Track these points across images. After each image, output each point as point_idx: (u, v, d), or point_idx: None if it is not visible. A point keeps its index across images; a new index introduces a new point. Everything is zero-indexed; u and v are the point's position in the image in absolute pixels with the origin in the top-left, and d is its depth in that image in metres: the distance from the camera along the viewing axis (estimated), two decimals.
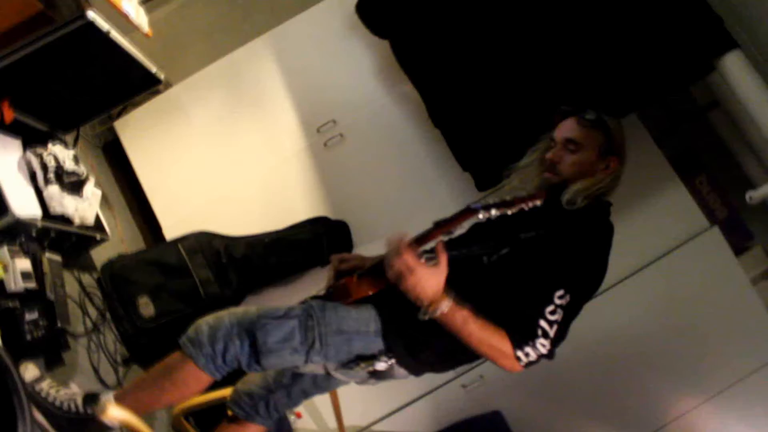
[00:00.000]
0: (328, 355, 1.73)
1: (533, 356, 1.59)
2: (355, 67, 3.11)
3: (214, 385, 2.04)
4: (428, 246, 1.65)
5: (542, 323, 1.58)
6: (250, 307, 1.78)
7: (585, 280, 1.68)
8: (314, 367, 1.79)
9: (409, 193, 3.03)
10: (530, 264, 1.66)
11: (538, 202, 1.57)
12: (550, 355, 1.62)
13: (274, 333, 1.69)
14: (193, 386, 1.74)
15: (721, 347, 2.91)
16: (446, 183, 3.00)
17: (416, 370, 1.82)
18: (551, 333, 1.59)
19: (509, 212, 1.57)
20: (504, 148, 2.54)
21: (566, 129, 1.88)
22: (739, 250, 3.16)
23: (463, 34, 2.52)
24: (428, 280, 1.58)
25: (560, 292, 1.60)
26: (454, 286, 1.62)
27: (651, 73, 2.42)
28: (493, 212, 1.55)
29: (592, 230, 1.74)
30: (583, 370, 2.87)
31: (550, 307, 1.59)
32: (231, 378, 2.08)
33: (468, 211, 1.56)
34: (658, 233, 2.97)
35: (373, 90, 3.09)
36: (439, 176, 3.02)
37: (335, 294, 1.79)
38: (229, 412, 2.05)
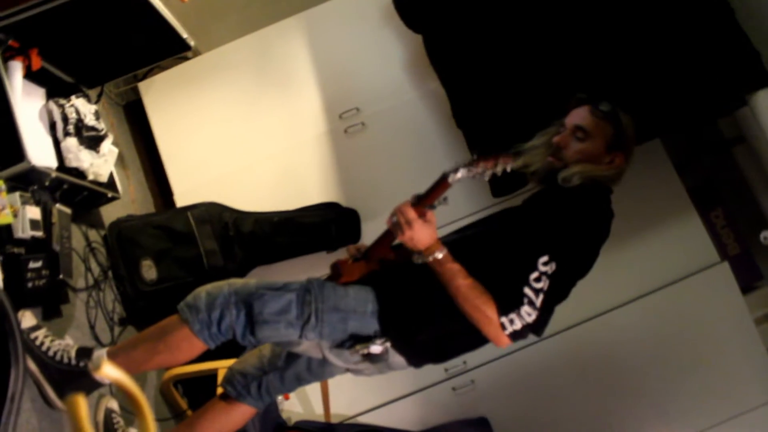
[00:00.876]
0: (323, 333, 1.73)
1: (518, 325, 1.60)
2: (386, 57, 3.10)
3: (206, 357, 2.06)
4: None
5: (527, 290, 1.60)
6: (250, 279, 1.79)
7: (571, 250, 1.66)
8: (309, 346, 1.79)
9: (422, 189, 3.01)
10: (517, 231, 1.71)
11: (508, 165, 1.62)
12: (536, 327, 1.63)
13: (270, 304, 1.70)
14: (185, 351, 1.74)
15: (715, 384, 2.89)
16: (462, 185, 2.94)
17: (412, 356, 1.80)
18: (537, 302, 1.60)
19: (480, 171, 1.63)
20: None
21: (578, 116, 1.87)
22: (746, 288, 3.14)
23: (501, 39, 2.50)
24: (423, 230, 1.67)
25: (544, 258, 1.60)
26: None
27: (682, 100, 2.39)
28: (461, 173, 1.64)
29: (584, 204, 1.74)
30: (576, 389, 2.86)
31: (535, 274, 1.60)
32: (222, 352, 2.09)
33: (443, 179, 1.68)
34: (668, 261, 2.95)
35: (400, 83, 3.08)
36: None
37: (330, 275, 1.83)
38: (220, 390, 2.05)
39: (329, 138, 3.07)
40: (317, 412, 2.89)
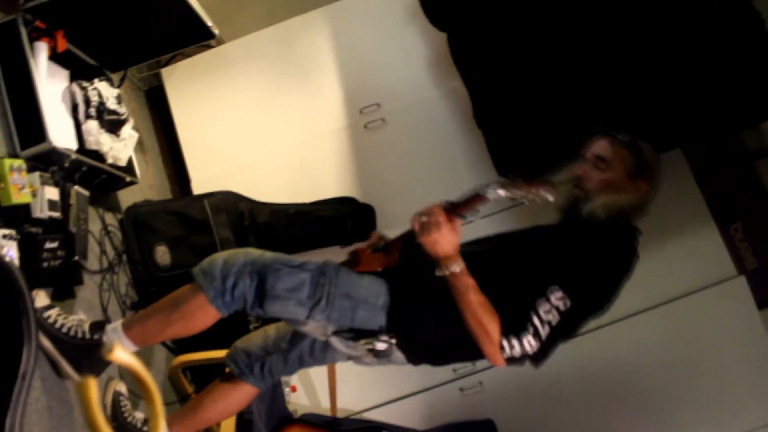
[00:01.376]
0: (331, 317, 1.74)
1: (517, 351, 1.61)
2: (409, 54, 3.09)
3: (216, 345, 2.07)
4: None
5: (534, 319, 1.61)
6: (267, 251, 1.79)
7: (588, 289, 1.67)
8: (314, 327, 1.79)
9: (440, 189, 2.96)
10: (539, 260, 1.69)
11: (549, 196, 1.56)
12: (535, 358, 1.64)
13: (285, 280, 1.70)
14: (199, 320, 1.75)
15: (725, 399, 2.86)
16: (467, 174, 2.98)
17: (412, 355, 1.82)
18: (542, 333, 1.61)
19: (519, 194, 1.57)
20: (545, 161, 2.51)
21: (597, 146, 1.87)
22: (763, 304, 3.09)
23: (524, 42, 2.47)
24: (449, 237, 1.64)
25: (558, 293, 1.61)
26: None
27: (705, 110, 2.36)
28: (501, 191, 1.58)
29: (608, 243, 1.73)
30: (583, 396, 2.84)
31: (546, 306, 1.61)
32: (232, 338, 2.10)
33: (478, 196, 1.64)
34: (684, 272, 2.92)
35: (422, 80, 3.08)
36: (472, 178, 2.97)
37: (348, 261, 1.83)
38: (227, 370, 2.06)
39: (349, 132, 3.07)
40: (323, 406, 2.89)
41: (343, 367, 2.67)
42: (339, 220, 2.84)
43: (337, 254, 2.89)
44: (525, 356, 1.63)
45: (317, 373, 2.91)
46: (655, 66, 2.35)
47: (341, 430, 2.65)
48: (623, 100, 2.38)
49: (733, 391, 2.87)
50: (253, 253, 1.77)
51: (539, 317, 1.61)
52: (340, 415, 2.84)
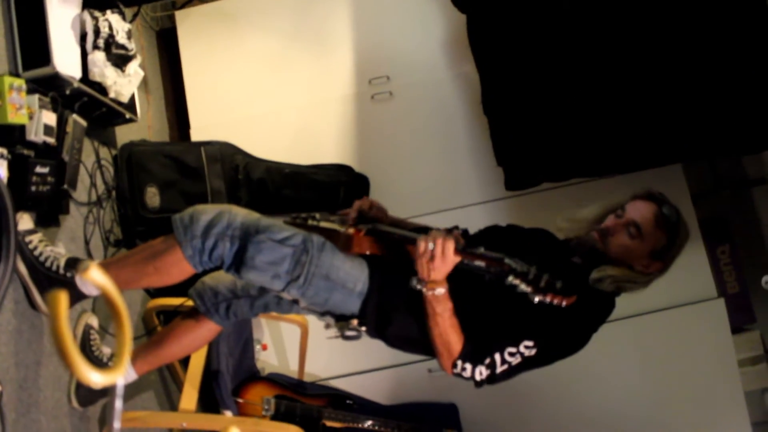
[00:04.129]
0: (306, 294, 1.73)
1: (467, 374, 1.65)
2: (426, 31, 3.07)
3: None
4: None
5: (496, 356, 1.63)
6: (252, 212, 1.76)
7: (560, 347, 1.70)
8: (286, 296, 1.79)
9: (437, 170, 3.01)
10: (521, 305, 1.56)
11: (565, 303, 1.46)
12: (479, 384, 1.67)
13: (266, 253, 1.67)
14: (174, 275, 1.75)
15: (688, 417, 2.89)
16: (476, 172, 2.98)
17: (376, 337, 1.84)
18: (497, 369, 1.64)
19: (535, 298, 1.46)
20: (546, 155, 2.51)
21: (639, 212, 1.77)
22: (737, 329, 3.12)
23: (544, 37, 2.45)
24: (446, 268, 1.59)
25: (530, 343, 1.63)
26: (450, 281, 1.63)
27: (714, 129, 2.35)
28: (520, 282, 1.46)
29: (595, 316, 1.75)
30: (550, 393, 2.86)
31: (512, 349, 1.63)
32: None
33: (500, 263, 1.51)
34: (664, 287, 2.90)
35: (435, 59, 3.06)
36: (471, 163, 2.99)
37: (338, 238, 1.78)
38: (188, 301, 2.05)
39: (355, 101, 3.05)
40: (292, 368, 2.91)
41: (315, 333, 2.69)
42: (333, 186, 2.83)
43: None
44: (470, 379, 1.66)
45: (289, 336, 2.93)
46: (670, 78, 2.34)
47: (306, 393, 2.66)
48: (637, 103, 2.37)
49: (696, 409, 2.90)
50: (239, 214, 1.72)
51: (502, 356, 1.63)
52: (306, 379, 2.86)
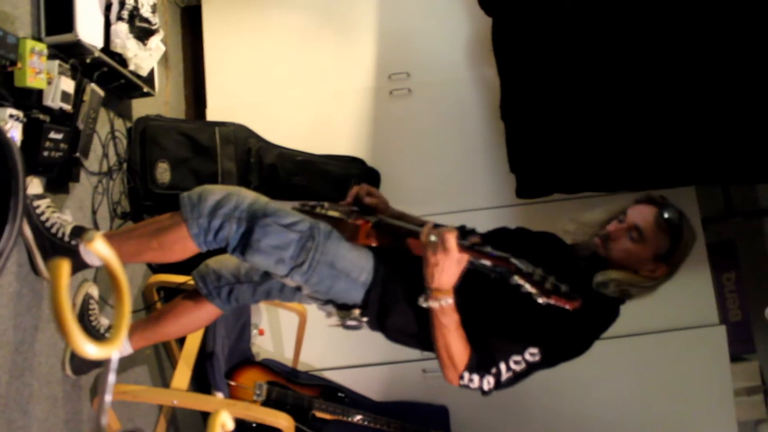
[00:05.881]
0: (309, 281, 1.72)
1: (474, 385, 1.65)
2: (450, 31, 3.06)
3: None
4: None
5: (501, 365, 1.62)
6: (261, 195, 1.75)
7: (564, 352, 1.69)
8: (289, 282, 1.78)
9: (449, 171, 3.00)
10: (526, 308, 1.55)
11: (569, 307, 1.44)
12: (487, 393, 1.66)
13: (272, 237, 1.66)
14: (178, 252, 1.74)
15: None
16: (487, 177, 2.97)
17: (377, 329, 1.83)
18: (503, 377, 1.63)
19: (540, 300, 1.44)
20: (560, 167, 2.49)
21: (640, 216, 1.75)
22: (735, 357, 3.10)
23: (570, 46, 2.43)
24: (451, 268, 1.56)
25: (534, 350, 1.62)
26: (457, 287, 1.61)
27: (731, 155, 2.33)
28: (528, 287, 1.45)
29: (599, 321, 1.74)
30: (543, 405, 2.85)
31: (517, 357, 1.62)
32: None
33: (506, 262, 1.50)
34: (668, 308, 2.91)
35: (457, 60, 3.05)
36: (483, 167, 2.98)
37: (345, 228, 1.77)
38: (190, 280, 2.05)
39: (373, 95, 3.04)
40: (286, 356, 2.91)
41: (312, 322, 2.69)
42: (343, 177, 2.82)
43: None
44: (478, 389, 1.66)
45: (286, 323, 2.93)
46: (693, 103, 2.31)
47: (298, 382, 2.66)
48: (654, 127, 2.35)
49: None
50: (247, 197, 1.71)
51: (507, 365, 1.62)
52: (300, 368, 2.86)
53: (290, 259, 1.69)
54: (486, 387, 1.64)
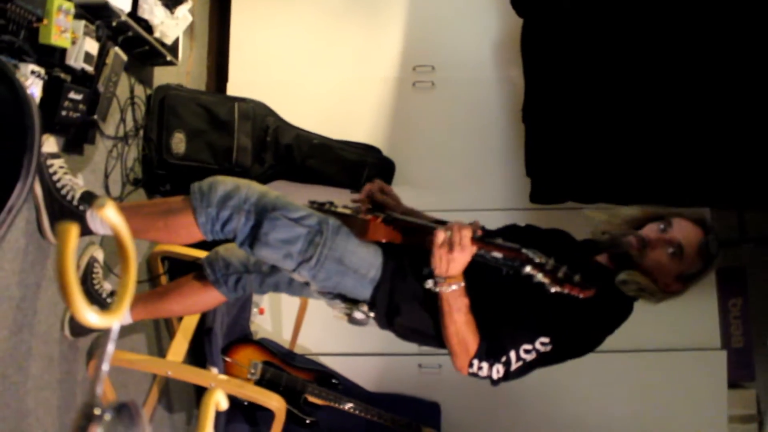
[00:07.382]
0: (317, 277, 1.71)
1: (483, 373, 1.63)
2: (479, 28, 3.04)
3: (202, 244, 2.05)
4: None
5: (512, 354, 1.61)
6: (271, 190, 1.74)
7: (575, 343, 1.67)
8: (297, 277, 1.77)
9: (464, 168, 2.99)
10: (539, 298, 1.56)
11: (582, 295, 1.43)
12: (496, 382, 1.65)
13: (280, 230, 1.65)
14: (183, 236, 1.74)
15: None
16: (503, 178, 2.95)
17: (386, 327, 1.81)
18: (513, 366, 1.62)
19: (552, 289, 1.44)
20: (577, 175, 2.47)
21: (687, 237, 1.71)
22: (734, 384, 3.08)
23: (599, 56, 2.40)
24: (464, 260, 1.57)
25: (545, 339, 1.61)
26: (466, 275, 1.61)
27: (749, 180, 2.31)
28: (540, 276, 1.45)
29: (613, 308, 1.72)
30: (537, 410, 2.85)
31: (528, 346, 1.61)
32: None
33: (518, 252, 1.50)
34: (670, 327, 2.90)
35: (484, 58, 3.03)
36: (499, 168, 2.96)
37: (354, 224, 1.76)
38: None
39: (396, 85, 3.03)
40: (284, 337, 2.91)
41: (313, 308, 2.69)
42: (358, 165, 2.81)
43: (344, 197, 2.90)
44: (487, 378, 1.64)
45: (287, 305, 2.92)
46: (715, 126, 2.29)
47: (294, 365, 2.66)
48: (676, 145, 2.32)
49: None
50: (257, 190, 1.70)
51: (517, 354, 1.61)
52: (297, 351, 2.86)
53: (298, 254, 1.68)
54: (495, 376, 1.62)
